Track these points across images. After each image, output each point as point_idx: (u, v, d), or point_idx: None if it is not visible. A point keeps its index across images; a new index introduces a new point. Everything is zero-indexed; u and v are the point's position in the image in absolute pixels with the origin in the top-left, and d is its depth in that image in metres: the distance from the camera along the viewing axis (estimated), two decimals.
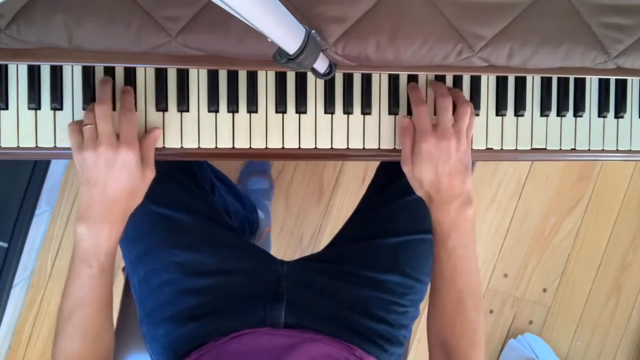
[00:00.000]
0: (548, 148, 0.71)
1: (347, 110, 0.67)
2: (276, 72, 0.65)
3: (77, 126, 0.60)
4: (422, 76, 0.68)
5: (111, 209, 0.60)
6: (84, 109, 0.63)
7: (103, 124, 0.58)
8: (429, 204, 0.65)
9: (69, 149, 0.63)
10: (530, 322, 1.58)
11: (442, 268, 0.64)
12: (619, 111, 0.71)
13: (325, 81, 0.66)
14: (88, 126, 0.59)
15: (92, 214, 0.59)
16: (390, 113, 0.68)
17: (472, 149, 0.69)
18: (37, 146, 0.63)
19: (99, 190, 0.59)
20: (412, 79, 0.68)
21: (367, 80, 0.67)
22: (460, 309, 0.63)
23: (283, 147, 0.66)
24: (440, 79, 0.68)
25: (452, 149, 0.61)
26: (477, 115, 0.69)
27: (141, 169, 0.61)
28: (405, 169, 0.65)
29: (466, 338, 0.63)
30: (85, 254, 0.59)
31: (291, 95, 0.66)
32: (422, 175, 0.63)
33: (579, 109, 0.70)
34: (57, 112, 0.63)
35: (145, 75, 0.64)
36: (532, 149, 0.70)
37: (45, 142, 0.63)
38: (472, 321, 0.63)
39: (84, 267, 0.60)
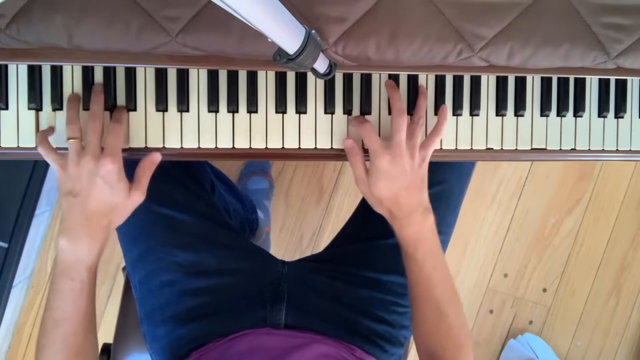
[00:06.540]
0: (548, 148, 0.71)
1: (347, 110, 0.67)
2: (276, 72, 0.65)
3: (49, 144, 0.60)
4: (422, 76, 0.68)
5: (91, 223, 0.59)
6: (85, 108, 0.63)
7: (93, 136, 0.59)
8: (391, 221, 0.66)
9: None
10: (530, 322, 1.57)
11: (417, 280, 0.65)
12: (619, 111, 0.71)
13: (325, 81, 0.66)
14: (72, 140, 0.59)
15: (72, 228, 0.59)
16: (390, 113, 0.68)
17: (472, 149, 0.69)
18: (37, 146, 0.63)
19: (80, 201, 0.58)
20: (412, 79, 0.68)
21: (367, 80, 0.67)
22: (442, 317, 0.64)
23: (283, 147, 0.66)
24: (441, 79, 0.68)
25: (407, 165, 0.63)
26: (477, 115, 0.69)
27: (126, 186, 0.60)
28: (362, 188, 0.66)
29: (451, 343, 0.64)
30: (66, 267, 0.59)
31: (291, 95, 0.66)
32: (380, 193, 0.64)
33: (579, 109, 0.70)
34: (58, 112, 0.63)
35: (145, 75, 0.64)
36: (532, 149, 0.70)
37: None
38: (454, 327, 0.64)
39: (66, 280, 0.59)
